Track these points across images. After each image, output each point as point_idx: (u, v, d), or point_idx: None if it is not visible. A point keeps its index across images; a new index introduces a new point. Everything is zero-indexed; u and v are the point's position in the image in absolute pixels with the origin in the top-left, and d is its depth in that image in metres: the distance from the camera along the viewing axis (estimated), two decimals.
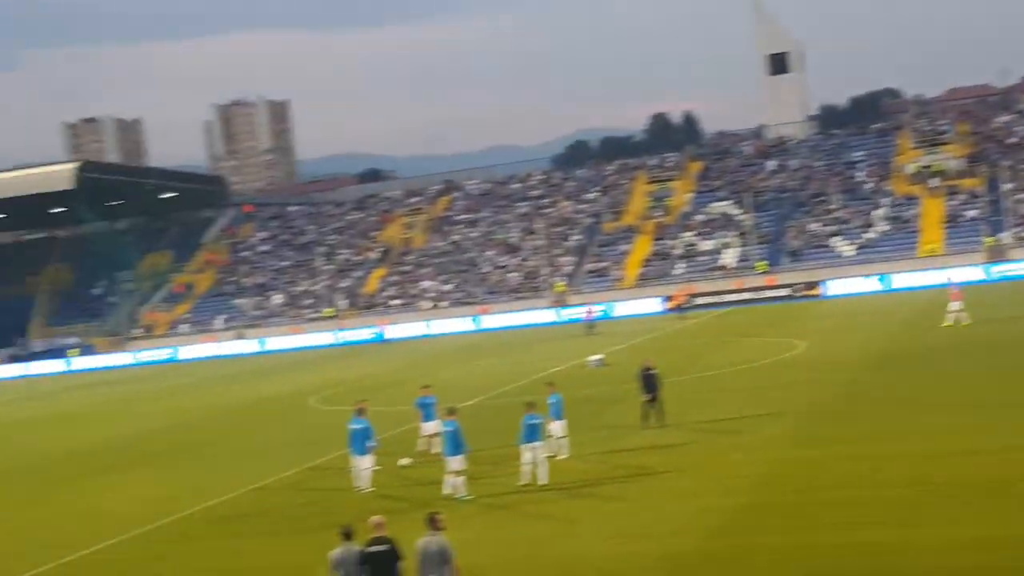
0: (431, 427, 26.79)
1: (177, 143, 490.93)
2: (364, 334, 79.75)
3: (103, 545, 21.62)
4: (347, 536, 13.86)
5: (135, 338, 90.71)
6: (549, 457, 23.24)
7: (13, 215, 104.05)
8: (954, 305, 44.66)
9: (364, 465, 24.13)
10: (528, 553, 17.74)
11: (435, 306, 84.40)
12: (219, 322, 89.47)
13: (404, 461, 26.28)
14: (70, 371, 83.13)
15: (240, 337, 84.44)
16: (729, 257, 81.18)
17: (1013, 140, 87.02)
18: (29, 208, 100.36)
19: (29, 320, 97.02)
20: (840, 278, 72.71)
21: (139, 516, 23.99)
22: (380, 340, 77.23)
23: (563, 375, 40.54)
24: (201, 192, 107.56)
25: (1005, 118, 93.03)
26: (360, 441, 24.17)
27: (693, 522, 18.44)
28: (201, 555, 20.20)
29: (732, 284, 73.54)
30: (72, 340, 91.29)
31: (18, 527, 24.84)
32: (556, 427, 24.91)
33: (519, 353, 55.02)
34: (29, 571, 20.15)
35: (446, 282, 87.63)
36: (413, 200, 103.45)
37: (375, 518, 14.18)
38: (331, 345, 78.35)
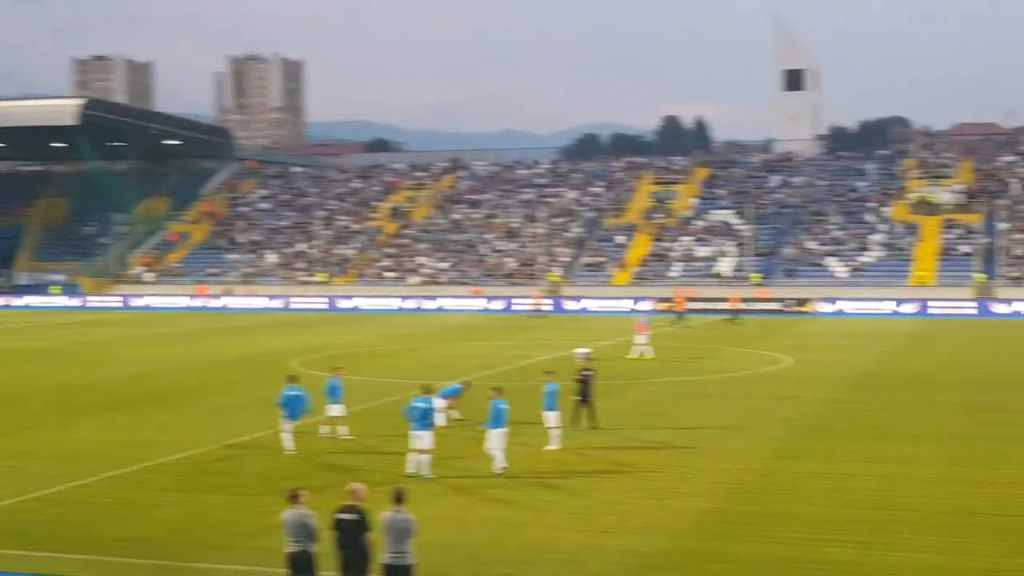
0: (336, 410, 26.08)
1: (186, 91, 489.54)
2: (354, 303, 79.79)
3: (70, 485, 21.60)
4: (293, 499, 13.95)
5: (123, 281, 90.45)
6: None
7: (12, 145, 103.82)
8: (640, 339, 44.87)
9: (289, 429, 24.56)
10: (496, 537, 17.75)
11: (425, 282, 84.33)
12: (209, 275, 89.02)
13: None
14: (52, 307, 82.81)
15: (228, 293, 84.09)
16: (725, 266, 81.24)
17: (1014, 181, 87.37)
18: (29, 140, 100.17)
19: (16, 252, 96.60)
20: (834, 299, 72.79)
21: (110, 459, 23.96)
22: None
23: (552, 365, 40.48)
24: (205, 142, 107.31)
25: (1008, 158, 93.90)
26: (296, 407, 24.64)
27: (659, 522, 18.53)
28: (165, 505, 20.14)
29: (726, 294, 72.73)
30: (58, 276, 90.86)
31: None
32: (550, 417, 24.88)
33: (504, 338, 55.15)
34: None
35: (442, 260, 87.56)
36: (419, 175, 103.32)
37: (354, 485, 14.23)
38: (323, 310, 78.51)
